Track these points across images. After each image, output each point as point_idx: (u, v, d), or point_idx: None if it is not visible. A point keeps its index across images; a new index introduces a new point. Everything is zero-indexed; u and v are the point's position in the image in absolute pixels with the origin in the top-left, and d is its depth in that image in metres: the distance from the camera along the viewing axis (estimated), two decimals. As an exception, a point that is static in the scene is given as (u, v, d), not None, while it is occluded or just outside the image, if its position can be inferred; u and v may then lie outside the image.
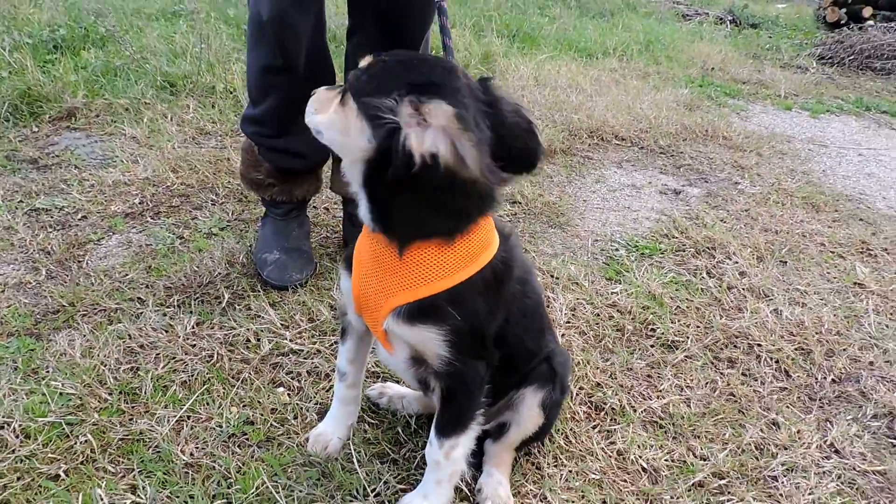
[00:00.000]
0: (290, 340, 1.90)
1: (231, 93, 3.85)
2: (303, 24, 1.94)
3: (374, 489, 1.45)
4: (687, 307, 2.29)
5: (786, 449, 1.72)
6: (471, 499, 1.47)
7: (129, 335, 1.85)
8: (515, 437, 1.47)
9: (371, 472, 1.49)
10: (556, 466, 1.59)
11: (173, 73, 3.84)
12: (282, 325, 1.96)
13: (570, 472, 1.57)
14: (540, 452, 1.61)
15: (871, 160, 4.29)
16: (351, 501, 1.42)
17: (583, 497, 1.51)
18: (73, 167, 2.88)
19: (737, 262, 2.62)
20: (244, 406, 1.65)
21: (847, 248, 2.90)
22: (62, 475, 1.41)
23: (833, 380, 2.01)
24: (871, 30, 7.18)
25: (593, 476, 1.57)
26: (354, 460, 1.51)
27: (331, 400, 1.69)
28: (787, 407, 1.88)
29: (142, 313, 1.95)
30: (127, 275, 2.16)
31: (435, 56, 1.30)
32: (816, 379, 2.01)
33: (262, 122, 2.15)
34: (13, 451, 1.45)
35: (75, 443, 1.49)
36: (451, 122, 0.99)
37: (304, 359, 1.84)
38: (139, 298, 2.03)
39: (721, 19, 8.70)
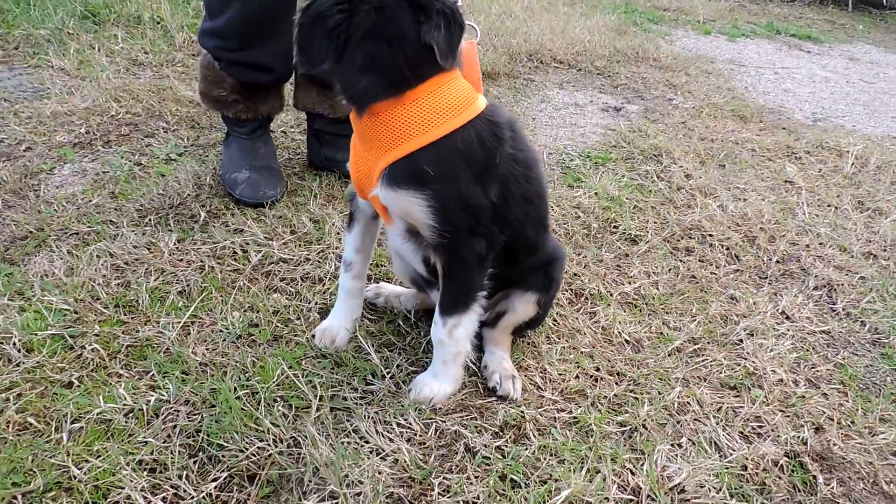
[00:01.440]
0: (278, 250, 1.91)
1: (159, 22, 3.66)
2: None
3: (389, 372, 1.52)
4: (643, 206, 2.45)
5: (745, 318, 1.91)
6: (479, 376, 1.56)
7: (111, 253, 1.81)
8: (512, 322, 1.57)
9: (382, 358, 1.56)
10: (549, 344, 1.71)
11: (94, 2, 3.60)
12: (265, 237, 1.97)
13: (563, 347, 1.70)
14: (534, 333, 1.72)
15: (785, 78, 4.59)
16: (368, 384, 1.49)
17: (578, 366, 1.64)
18: (2, 100, 2.70)
19: (682, 166, 2.80)
20: (246, 310, 1.67)
21: (775, 153, 3.14)
22: (75, 382, 1.40)
23: (777, 260, 2.22)
24: (776, -42, 7.50)
25: (584, 349, 1.70)
26: (365, 349, 1.58)
27: (329, 302, 1.74)
28: (742, 284, 2.08)
29: (118, 234, 1.91)
30: (90, 201, 2.08)
31: None
32: (763, 261, 2.22)
33: (223, 35, 2.08)
34: (18, 363, 1.42)
35: (81, 352, 1.47)
36: None
37: (295, 266, 1.86)
38: (111, 221, 1.98)
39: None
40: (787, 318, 1.95)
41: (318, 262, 1.89)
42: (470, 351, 1.48)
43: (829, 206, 2.66)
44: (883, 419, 1.60)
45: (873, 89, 4.62)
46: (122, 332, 1.55)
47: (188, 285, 1.73)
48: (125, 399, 1.35)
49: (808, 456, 1.45)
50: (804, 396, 1.63)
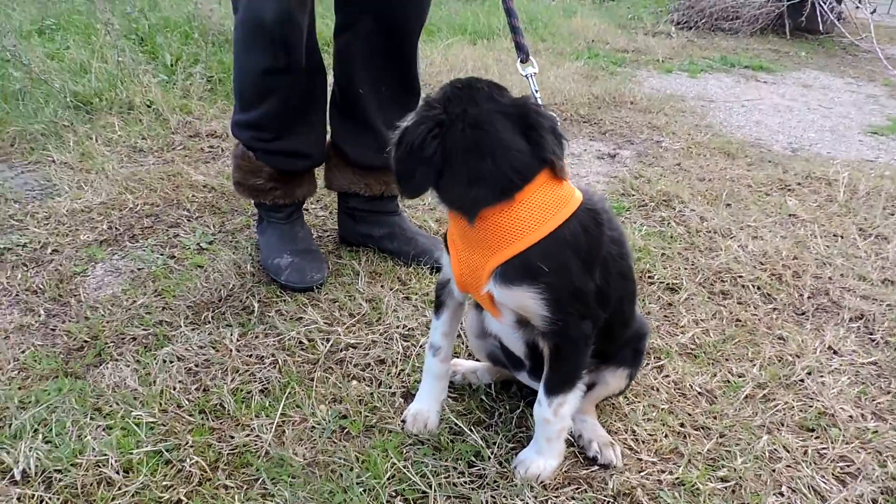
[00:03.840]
0: (344, 336, 1.91)
1: (150, 106, 3.65)
2: (303, 23, 1.93)
3: (491, 452, 1.53)
4: (670, 253, 2.54)
5: (799, 357, 1.99)
6: (575, 445, 1.58)
7: (179, 357, 1.78)
8: (602, 394, 1.61)
9: (479, 437, 1.57)
10: (629, 405, 1.74)
11: (83, 92, 3.58)
12: (326, 323, 1.97)
13: (644, 406, 1.74)
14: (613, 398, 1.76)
15: (753, 110, 4.84)
16: (472, 466, 1.49)
17: (664, 424, 1.68)
18: (12, 202, 2.65)
19: (694, 210, 2.91)
20: (331, 402, 1.66)
21: (769, 186, 3.30)
22: (184, 499, 1.36)
23: (808, 296, 2.33)
24: (716, -5, 7.96)
25: (663, 406, 1.75)
26: (458, 430, 1.58)
27: (409, 384, 1.74)
28: (784, 323, 2.17)
29: (178, 335, 1.88)
30: (136, 301, 2.05)
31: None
32: (795, 297, 2.32)
33: (259, 127, 2.10)
34: (121, 487, 1.38)
35: (182, 467, 1.44)
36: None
37: (365, 350, 1.86)
38: (165, 322, 1.95)
39: (583, -5, 9.25)
40: (835, 352, 2.04)
41: (386, 343, 1.90)
42: (573, 426, 1.51)
43: (834, 235, 2.80)
44: (954, 445, 1.68)
45: (833, 114, 4.91)
46: (217, 440, 1.52)
47: (268, 383, 1.71)
48: (244, 513, 1.33)
49: (903, 491, 1.51)
50: (877, 431, 1.71)
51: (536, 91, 1.59)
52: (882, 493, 1.51)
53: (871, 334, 2.15)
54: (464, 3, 7.64)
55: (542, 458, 1.48)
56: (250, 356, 1.81)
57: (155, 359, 1.76)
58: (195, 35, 4.20)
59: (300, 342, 1.88)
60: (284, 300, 2.08)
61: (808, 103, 5.17)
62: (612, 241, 1.39)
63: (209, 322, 1.94)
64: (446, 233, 1.46)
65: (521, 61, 1.66)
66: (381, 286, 2.18)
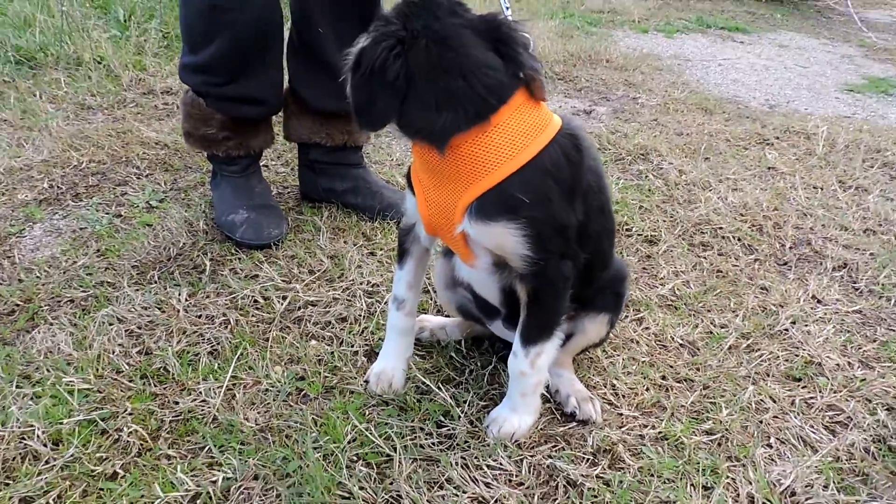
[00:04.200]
0: (302, 293, 1.77)
1: (101, 62, 3.42)
2: (255, -52, 1.76)
3: (461, 411, 1.41)
4: (649, 206, 2.43)
5: (782, 307, 1.90)
6: (551, 401, 1.48)
7: (120, 318, 1.63)
8: (581, 343, 1.49)
9: (448, 396, 1.45)
10: (608, 358, 1.64)
11: (27, 47, 3.34)
12: (283, 281, 1.83)
13: (624, 359, 1.63)
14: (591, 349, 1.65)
15: (730, 69, 4.74)
16: (441, 426, 1.38)
17: (644, 377, 1.58)
18: (-57, 161, 2.44)
19: (672, 163, 2.81)
20: (287, 363, 1.53)
21: (748, 141, 3.21)
22: (120, 472, 1.23)
23: (790, 246, 2.24)
24: (691, -44, 7.79)
25: (643, 359, 1.65)
26: (426, 389, 1.47)
27: (373, 342, 1.62)
28: (766, 273, 2.08)
29: (121, 296, 1.72)
30: (76, 262, 1.89)
31: None
32: (777, 248, 2.24)
33: (208, 70, 1.93)
34: (49, 461, 1.24)
35: (119, 437, 1.30)
36: None
37: (325, 308, 1.73)
38: (107, 283, 1.79)
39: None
40: (819, 301, 1.96)
41: (348, 301, 1.77)
42: (549, 378, 1.39)
43: (814, 187, 2.72)
44: (945, 392, 1.61)
45: (810, 73, 4.83)
46: (159, 407, 1.38)
47: (217, 344, 1.57)
48: (187, 483, 1.20)
49: (894, 440, 1.44)
50: (864, 379, 1.63)
51: (507, 7, 1.45)
52: (874, 442, 1.43)
53: (855, 283, 2.07)
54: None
55: (516, 416, 1.37)
56: (199, 317, 1.67)
57: (93, 321, 1.61)
58: (147, -12, 3.95)
59: (254, 301, 1.74)
60: (239, 258, 1.93)
61: (784, 63, 5.09)
62: (592, 170, 1.27)
63: (155, 282, 1.79)
64: (408, 171, 1.32)
65: None
66: (345, 242, 2.05)
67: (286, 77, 2.13)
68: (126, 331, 1.59)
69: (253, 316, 1.68)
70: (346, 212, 2.23)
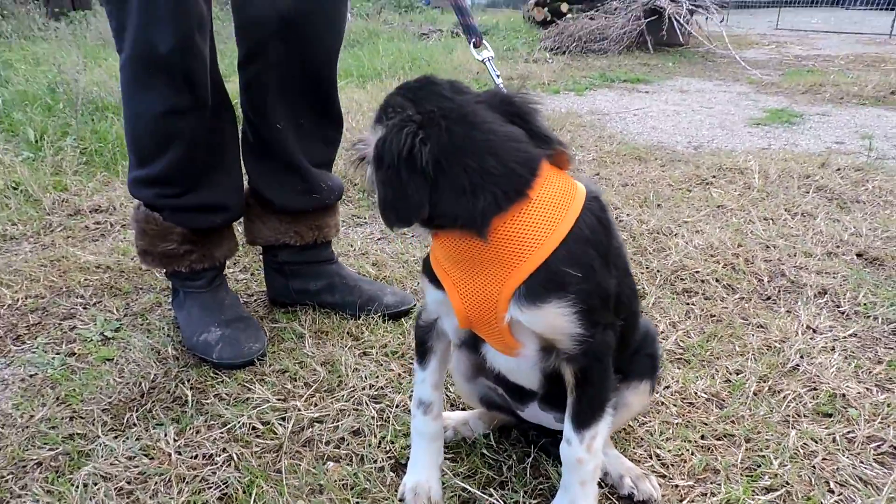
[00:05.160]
0: (305, 410, 1.61)
1: (16, 188, 3.19)
2: (205, 51, 1.67)
3: (516, 514, 1.29)
4: (623, 260, 2.43)
5: (785, 341, 1.91)
6: (604, 487, 1.38)
7: (104, 475, 1.42)
8: (626, 418, 1.40)
9: (497, 499, 1.33)
10: (642, 426, 1.57)
11: (-71, 182, 3.06)
12: (279, 400, 1.66)
13: (658, 424, 1.56)
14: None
15: (645, 117, 4.98)
16: (499, 538, 1.25)
17: (685, 440, 1.51)
18: None
19: (629, 214, 2.85)
20: (309, 494, 1.36)
21: (688, 183, 3.33)
22: None
23: (768, 279, 2.28)
24: (582, 20, 8.34)
25: (677, 420, 1.58)
26: (468, 496, 1.34)
27: (397, 453, 1.48)
28: (755, 310, 2.09)
29: (97, 449, 1.51)
30: (33, 415, 1.65)
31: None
32: (756, 283, 2.27)
33: (163, 181, 1.80)
34: None
35: None
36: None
37: (334, 423, 1.58)
38: (77, 434, 1.57)
39: (454, 33, 9.43)
40: (815, 331, 1.98)
41: (356, 410, 1.62)
42: (606, 464, 1.30)
43: (766, 219, 2.82)
44: (965, 403, 1.63)
45: (716, 112, 5.15)
46: (176, 575, 1.18)
47: (226, 486, 1.38)
48: None
49: (944, 462, 1.42)
50: (890, 404, 1.63)
51: (498, 76, 1.41)
52: (926, 469, 1.41)
53: (839, 307, 2.11)
54: (345, 48, 7.53)
55: (577, 509, 1.25)
56: (195, 457, 1.47)
57: (72, 485, 1.39)
58: (60, 106, 3.76)
59: (253, 428, 1.57)
60: (222, 381, 1.76)
61: (690, 106, 5.41)
62: (615, 234, 1.22)
63: (134, 425, 1.59)
64: (426, 262, 1.23)
65: (475, 45, 1.49)
66: (333, 345, 1.91)
67: (244, 178, 2.02)
68: (116, 489, 1.38)
69: (256, 446, 1.51)
70: (325, 312, 2.09)
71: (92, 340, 1.99)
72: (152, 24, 1.54)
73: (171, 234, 1.86)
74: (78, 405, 1.68)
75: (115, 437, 1.54)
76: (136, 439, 1.53)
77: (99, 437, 1.54)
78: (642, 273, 2.33)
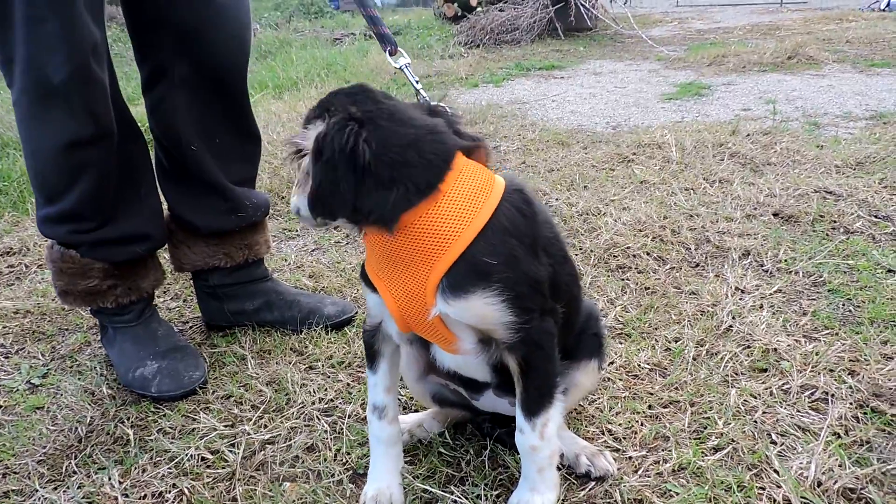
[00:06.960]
0: (254, 433, 1.57)
1: (-86, 240, 2.97)
2: (103, 77, 1.60)
3: (479, 508, 1.29)
4: (557, 244, 2.47)
5: (717, 305, 1.99)
6: (560, 469, 1.40)
7: (46, 531, 1.34)
8: (577, 398, 1.43)
9: (459, 496, 1.33)
10: (592, 404, 1.60)
11: None
12: (227, 426, 1.61)
13: (607, 399, 1.60)
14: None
15: (563, 102, 5.08)
16: (465, 534, 1.25)
17: (635, 412, 1.55)
18: None
19: (557, 198, 2.91)
20: (269, 519, 1.33)
21: (611, 162, 3.42)
22: None
23: (695, 247, 2.37)
24: (492, 12, 8.44)
25: (625, 393, 1.63)
26: (431, 497, 1.33)
27: (355, 463, 1.46)
28: (686, 278, 2.17)
29: (36, 503, 1.42)
30: (-39, 478, 1.55)
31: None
32: (684, 252, 2.35)
33: (75, 217, 1.71)
34: None
35: None
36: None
37: (287, 442, 1.54)
38: (13, 492, 1.48)
39: (367, 36, 9.37)
40: (743, 291, 2.07)
41: (307, 426, 1.59)
42: (561, 447, 1.32)
43: (687, 189, 2.93)
44: (883, 342, 1.74)
45: (630, 91, 5.31)
46: None
47: (180, 523, 1.33)
48: None
49: (872, 400, 1.51)
50: (818, 353, 1.72)
51: (417, 81, 1.42)
52: (857, 408, 1.49)
53: (763, 265, 2.22)
54: (257, 60, 7.38)
55: (538, 495, 1.27)
56: (144, 497, 1.41)
57: (12, 545, 1.31)
58: (-47, 146, 3.53)
59: (202, 458, 1.51)
60: (165, 415, 1.69)
61: (605, 87, 5.55)
62: (545, 222, 1.24)
63: (75, 472, 1.51)
64: (363, 269, 1.22)
65: (390, 53, 1.48)
66: (277, 363, 1.86)
67: (163, 203, 1.94)
68: (60, 544, 1.31)
69: (208, 476, 1.45)
70: (265, 330, 2.04)
71: (18, 390, 1.88)
72: (42, 53, 1.46)
73: (92, 270, 1.77)
74: (10, 460, 1.58)
75: (55, 489, 1.46)
76: (78, 487, 1.45)
77: (37, 490, 1.46)
78: (577, 254, 2.38)
